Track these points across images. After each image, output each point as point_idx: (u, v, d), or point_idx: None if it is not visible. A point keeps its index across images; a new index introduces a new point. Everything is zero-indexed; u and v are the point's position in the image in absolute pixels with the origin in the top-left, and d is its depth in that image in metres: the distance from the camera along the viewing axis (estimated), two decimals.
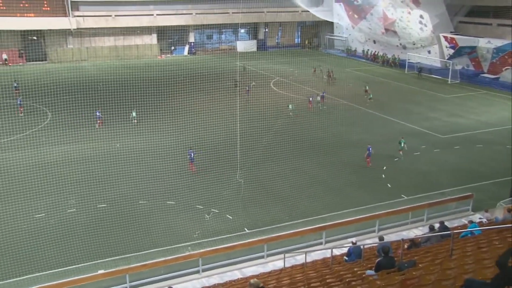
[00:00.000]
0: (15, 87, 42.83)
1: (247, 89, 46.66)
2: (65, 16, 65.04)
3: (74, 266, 18.75)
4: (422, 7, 59.32)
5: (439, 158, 31.66)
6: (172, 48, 75.76)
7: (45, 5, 64.25)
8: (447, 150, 33.15)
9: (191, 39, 76.90)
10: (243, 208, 23.87)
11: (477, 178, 27.59)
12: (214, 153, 30.83)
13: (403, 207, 22.32)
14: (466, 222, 19.31)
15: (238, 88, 43.16)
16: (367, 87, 48.92)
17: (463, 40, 57.72)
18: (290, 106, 40.99)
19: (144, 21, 70.66)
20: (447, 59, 59.94)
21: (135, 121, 37.67)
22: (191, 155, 28.61)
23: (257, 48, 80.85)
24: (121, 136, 33.65)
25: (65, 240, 20.57)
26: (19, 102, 40.02)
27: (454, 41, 58.29)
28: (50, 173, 26.59)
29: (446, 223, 17.73)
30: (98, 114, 36.13)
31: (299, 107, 42.18)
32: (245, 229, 22.09)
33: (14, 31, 61.66)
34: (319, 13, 75.94)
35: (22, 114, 38.46)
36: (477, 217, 20.94)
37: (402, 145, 31.28)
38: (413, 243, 15.50)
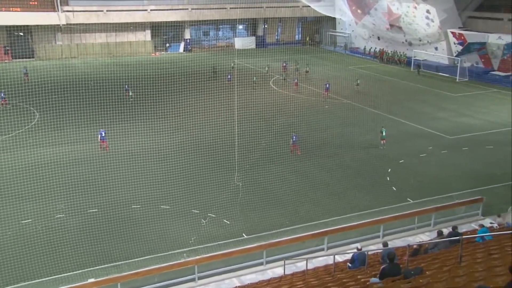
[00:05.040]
0: (2, 97, 42.47)
1: (254, 84, 49.05)
2: (54, 11, 64.98)
3: (63, 275, 18.64)
4: (429, 2, 59.29)
5: (447, 160, 31.65)
6: (167, 45, 75.78)
7: None
8: (455, 152, 33.16)
9: (187, 35, 76.91)
10: (241, 212, 23.84)
11: (487, 181, 27.56)
12: (211, 155, 30.79)
13: (409, 212, 22.27)
14: (476, 227, 19.28)
15: (216, 76, 48.00)
16: (358, 81, 51.05)
17: (472, 36, 57.70)
18: (254, 78, 49.06)
19: (138, 17, 70.65)
20: (455, 56, 60.03)
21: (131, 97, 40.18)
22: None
23: (256, 45, 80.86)
24: (113, 137, 33.59)
25: (54, 247, 20.48)
26: (2, 95, 41.06)
27: (462, 37, 58.28)
28: (37, 176, 26.48)
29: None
30: (103, 134, 33.16)
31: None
32: (243, 234, 22.04)
33: None
34: (320, 8, 75.88)
35: (6, 106, 38.73)
36: (487, 222, 20.92)
37: (384, 133, 32.59)
38: (419, 249, 15.49)
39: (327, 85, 47.51)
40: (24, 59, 62.04)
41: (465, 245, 12.94)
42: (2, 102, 41.48)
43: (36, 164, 28.56)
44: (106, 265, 19.33)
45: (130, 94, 43.52)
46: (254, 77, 51.69)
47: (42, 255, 19.70)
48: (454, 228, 17.29)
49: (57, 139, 32.21)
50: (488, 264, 10.05)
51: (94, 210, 23.87)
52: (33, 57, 64.74)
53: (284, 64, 60.04)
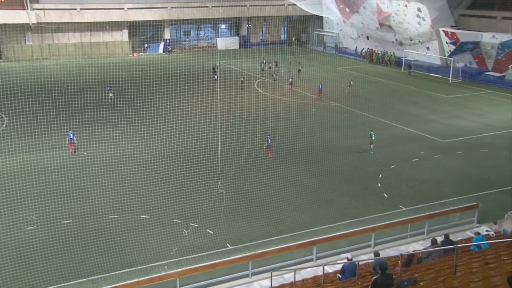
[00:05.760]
0: None
1: (242, 84, 51.39)
2: (23, 9, 64.28)
3: None
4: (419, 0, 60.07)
5: (440, 165, 31.97)
6: (146, 45, 75.54)
7: None
8: (449, 156, 33.51)
9: (167, 35, 76.76)
10: (225, 221, 23.78)
11: (482, 186, 27.90)
12: (192, 161, 30.69)
13: (401, 219, 22.42)
14: (472, 235, 19.46)
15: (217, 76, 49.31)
16: (351, 82, 52.40)
17: (465, 35, 58.55)
18: (242, 78, 51.89)
19: (114, 16, 70.23)
20: (448, 56, 60.80)
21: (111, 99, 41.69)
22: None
23: (240, 45, 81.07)
24: (88, 143, 33.33)
25: (25, 261, 20.17)
26: None
27: (455, 36, 59.09)
28: (6, 185, 26.15)
29: (450, 237, 17.82)
30: (71, 136, 33.42)
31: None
32: (228, 245, 21.99)
33: None
34: (307, 7, 76.40)
35: None
36: (483, 229, 21.14)
37: (373, 137, 33.20)
38: (412, 258, 15.60)
39: (320, 86, 48.39)
40: None
41: (460, 254, 13.06)
42: None
43: (4, 173, 28.18)
44: (82, 280, 19.12)
45: (110, 95, 43.64)
46: (242, 77, 52.84)
47: (10, 269, 19.43)
48: (447, 236, 17.46)
49: (28, 145, 31.81)
50: (484, 274, 10.15)
51: (68, 221, 23.61)
52: (0, 58, 63.92)
53: (264, 62, 62.96)
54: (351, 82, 52.32)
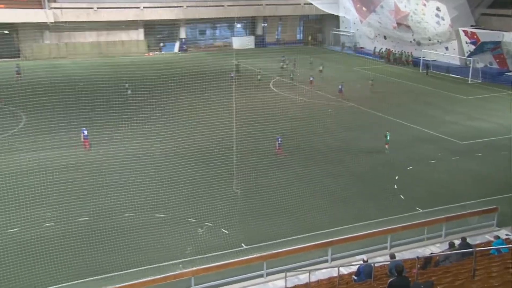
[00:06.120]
0: None
1: (259, 83, 52.45)
2: (41, 8, 65.07)
3: (51, 287, 18.64)
4: None
5: (458, 167, 31.70)
6: (161, 44, 75.89)
7: None
8: (467, 158, 33.20)
9: (182, 34, 77.07)
10: (240, 221, 23.82)
11: (502, 189, 27.43)
12: (208, 160, 30.81)
13: (418, 221, 22.31)
14: (491, 238, 19.27)
15: (240, 75, 52.51)
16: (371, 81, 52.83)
17: (485, 35, 57.73)
18: (259, 77, 53.50)
19: (130, 15, 70.76)
20: (467, 56, 60.12)
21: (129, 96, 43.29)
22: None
23: (255, 44, 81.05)
24: (105, 142, 33.62)
25: (42, 257, 20.42)
26: None
27: (475, 36, 58.34)
28: (24, 183, 26.46)
29: (467, 240, 17.68)
30: (85, 132, 34.17)
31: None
32: (243, 244, 22.04)
33: None
34: (323, 6, 76.16)
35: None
36: (503, 233, 20.92)
37: (388, 138, 33.17)
38: (429, 261, 15.51)
39: (341, 87, 48.74)
40: (9, 59, 61.97)
41: (479, 258, 12.95)
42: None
43: (23, 170, 28.54)
44: (97, 277, 19.32)
45: (129, 92, 45.07)
46: (259, 76, 53.78)
47: (29, 266, 19.70)
48: (464, 239, 17.30)
49: (45, 143, 32.15)
50: (504, 279, 10.05)
51: (84, 218, 23.87)
52: (18, 57, 64.64)
53: (283, 58, 64.29)
54: (372, 81, 52.53)
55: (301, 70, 58.80)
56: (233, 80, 45.05)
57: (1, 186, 25.63)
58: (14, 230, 22.57)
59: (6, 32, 62.80)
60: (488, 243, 18.41)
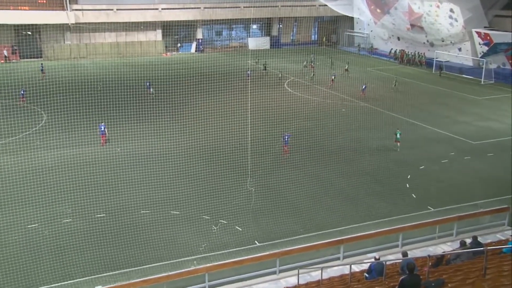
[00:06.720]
0: (22, 94, 43.39)
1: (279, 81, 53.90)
2: (63, 9, 65.72)
3: (69, 282, 18.82)
4: (452, 0, 58.87)
5: (470, 167, 31.36)
6: (179, 45, 76.19)
7: None
8: (479, 158, 32.83)
9: (199, 35, 77.26)
10: (253, 219, 23.83)
11: None
12: (222, 159, 30.85)
13: (430, 220, 22.04)
14: (502, 237, 19.03)
15: (267, 73, 56.02)
16: (395, 82, 52.57)
17: (499, 36, 57.07)
18: (279, 75, 55.29)
19: (148, 16, 71.18)
20: (480, 57, 59.48)
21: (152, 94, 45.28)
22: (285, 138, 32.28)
23: (270, 45, 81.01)
24: (122, 140, 33.84)
25: (60, 252, 20.66)
26: (22, 93, 42.81)
27: (488, 37, 57.73)
28: (44, 179, 26.76)
29: (479, 239, 17.45)
30: (102, 128, 34.30)
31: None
32: (256, 242, 22.04)
33: (7, 25, 62.34)
34: (338, 8, 75.89)
35: (24, 103, 41.66)
36: None
37: (398, 135, 33.09)
38: (441, 260, 15.33)
39: (364, 87, 48.88)
40: (32, 59, 62.74)
41: (490, 257, 12.77)
42: (22, 99, 42.54)
43: (43, 167, 28.84)
44: (113, 272, 19.43)
45: (152, 91, 46.31)
46: (280, 74, 55.22)
47: (48, 260, 19.90)
48: (475, 238, 17.09)
49: (65, 141, 32.51)
50: None
51: (102, 215, 24.03)
52: (41, 57, 65.44)
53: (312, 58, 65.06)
54: (396, 82, 52.63)
55: (319, 70, 58.82)
56: (249, 77, 45.22)
57: (21, 183, 25.96)
58: (33, 225, 22.79)
59: (29, 33, 63.47)
60: (499, 242, 18.15)
